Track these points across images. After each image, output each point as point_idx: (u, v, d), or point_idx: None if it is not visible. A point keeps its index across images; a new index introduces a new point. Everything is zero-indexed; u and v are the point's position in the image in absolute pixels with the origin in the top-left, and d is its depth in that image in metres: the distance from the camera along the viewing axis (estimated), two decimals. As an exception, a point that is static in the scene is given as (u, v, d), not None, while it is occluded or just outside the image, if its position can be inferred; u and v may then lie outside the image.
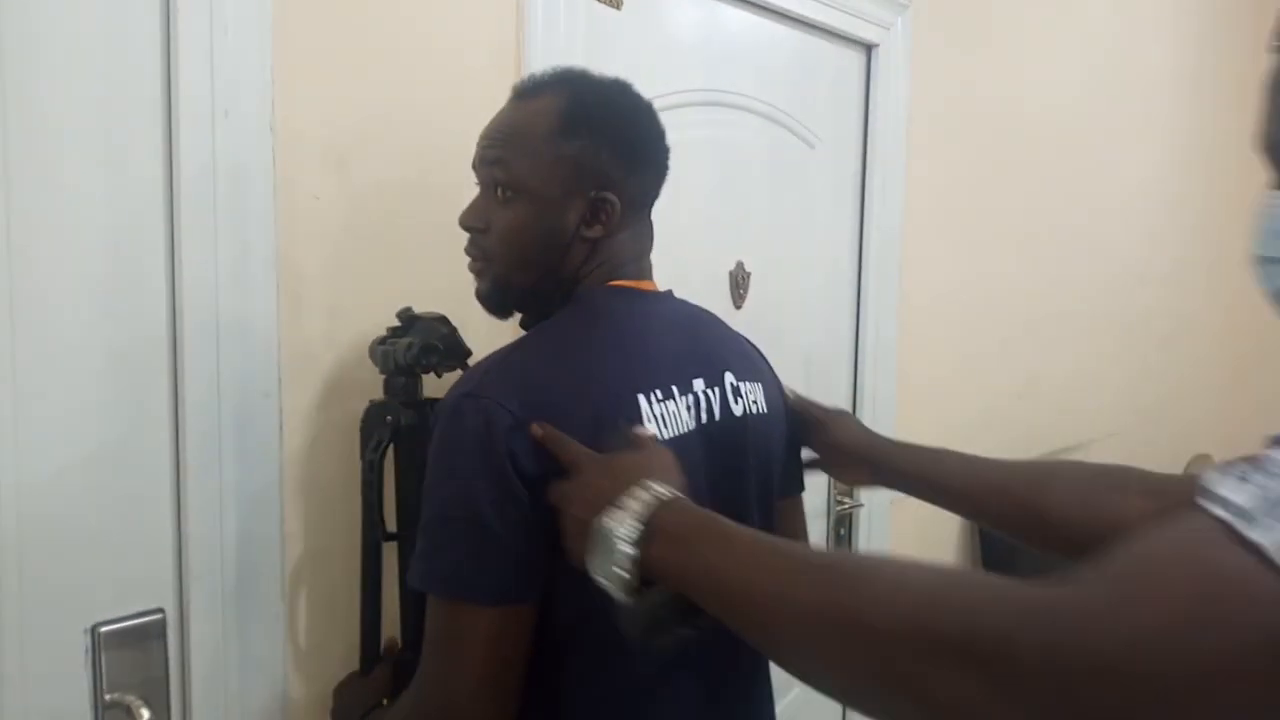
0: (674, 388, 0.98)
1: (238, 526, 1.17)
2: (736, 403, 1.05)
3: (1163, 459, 3.67)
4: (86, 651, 1.09)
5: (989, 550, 2.71)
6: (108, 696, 1.10)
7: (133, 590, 1.12)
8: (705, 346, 1.06)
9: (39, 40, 1.01)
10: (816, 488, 2.16)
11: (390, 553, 1.20)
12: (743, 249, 1.88)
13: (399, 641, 1.21)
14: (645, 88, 1.06)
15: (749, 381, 1.08)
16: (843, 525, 2.22)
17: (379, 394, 1.20)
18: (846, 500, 2.21)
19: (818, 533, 2.18)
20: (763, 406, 1.09)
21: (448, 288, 1.36)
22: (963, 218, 2.53)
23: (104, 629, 1.10)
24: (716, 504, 0.98)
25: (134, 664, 1.12)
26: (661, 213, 1.09)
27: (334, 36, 1.24)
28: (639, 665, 0.95)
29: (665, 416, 0.96)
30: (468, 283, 1.23)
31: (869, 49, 2.12)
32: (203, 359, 1.13)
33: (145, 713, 1.10)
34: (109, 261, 1.08)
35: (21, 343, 1.02)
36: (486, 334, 1.20)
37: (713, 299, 1.81)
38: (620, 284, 1.02)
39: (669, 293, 1.09)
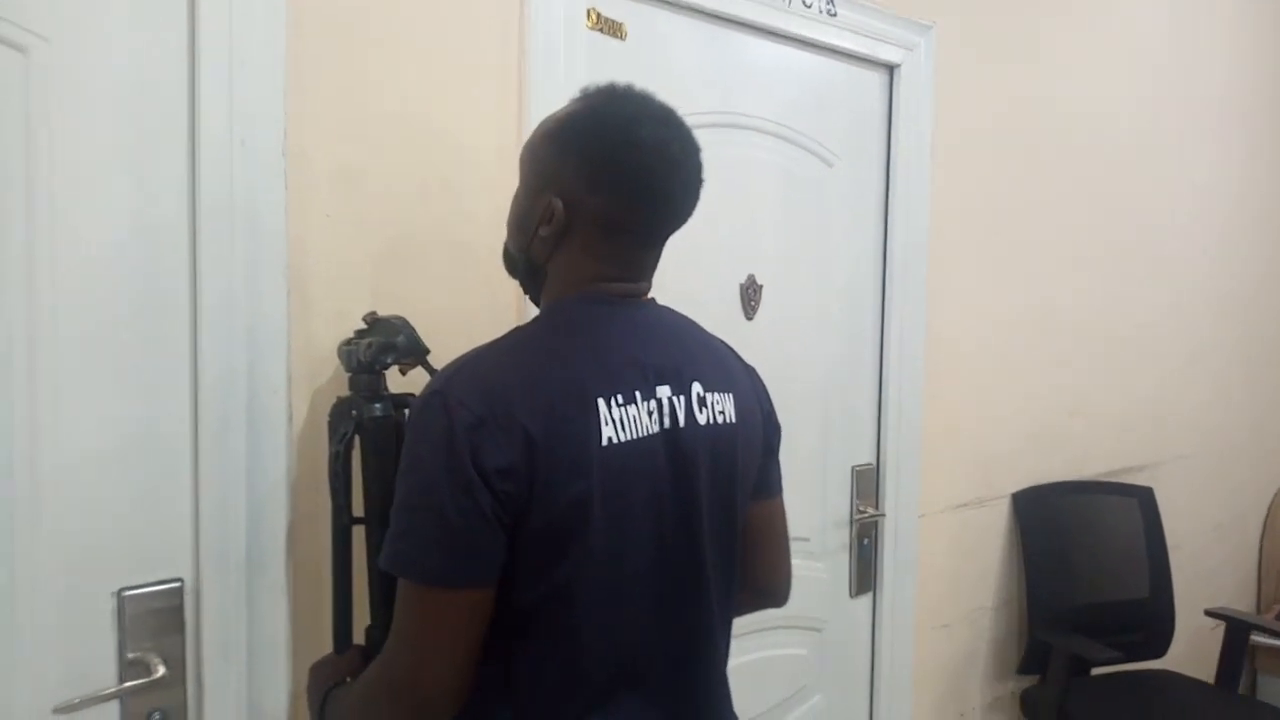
0: (636, 393, 1.06)
1: (248, 509, 1.32)
2: (701, 412, 1.12)
3: (1244, 484, 3.57)
4: (113, 613, 1.25)
5: (1031, 557, 2.69)
6: (130, 655, 1.25)
7: (154, 561, 1.27)
8: (677, 356, 1.13)
9: (82, 85, 1.18)
10: (838, 495, 2.22)
11: (359, 536, 1.32)
12: (754, 262, 1.96)
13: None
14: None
15: (718, 392, 1.15)
16: (865, 535, 2.26)
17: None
18: (869, 510, 2.25)
19: (840, 541, 2.23)
20: (730, 416, 1.15)
21: (448, 294, 1.50)
22: (999, 239, 2.54)
23: (128, 593, 1.25)
24: (676, 503, 1.08)
25: (154, 625, 1.27)
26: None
27: (342, 68, 1.38)
28: (590, 654, 1.04)
29: (624, 419, 1.04)
30: (466, 289, 1.36)
31: (891, 70, 2.18)
32: (219, 359, 1.28)
33: (161, 668, 1.25)
34: (139, 275, 1.24)
35: (64, 346, 1.18)
36: (482, 336, 1.30)
37: (723, 310, 1.89)
38: (596, 291, 1.10)
39: (650, 301, 1.16)
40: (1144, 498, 2.94)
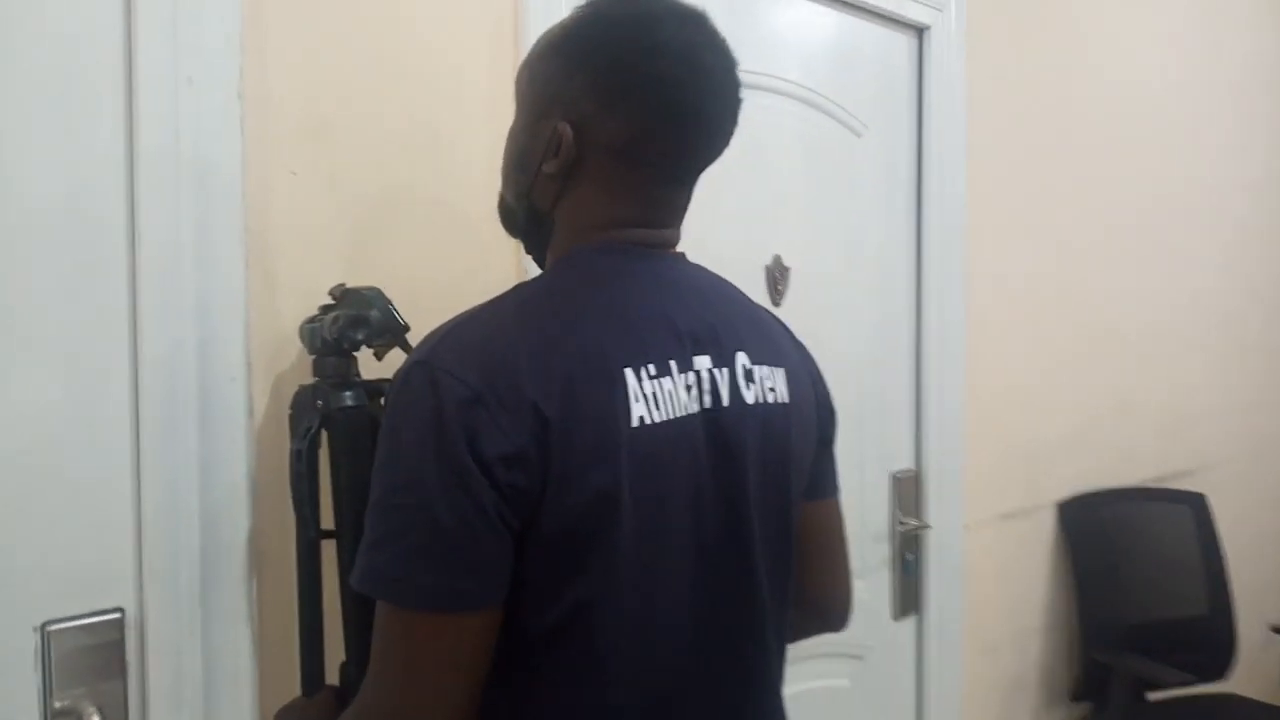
0: (671, 363, 0.84)
1: (201, 521, 1.09)
2: (749, 388, 0.90)
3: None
4: (35, 652, 1.01)
5: (1080, 573, 2.47)
6: (58, 703, 1.02)
7: (87, 587, 1.04)
8: (717, 321, 0.91)
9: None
10: (877, 505, 1.99)
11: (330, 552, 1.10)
12: (780, 242, 1.76)
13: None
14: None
15: (767, 365, 0.93)
16: (909, 549, 2.04)
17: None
18: (911, 521, 2.02)
19: (881, 556, 2.00)
20: (782, 395, 0.93)
21: (434, 265, 1.28)
22: (1035, 218, 2.35)
23: (54, 627, 1.02)
24: (721, 501, 0.86)
25: (87, 666, 1.04)
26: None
27: None
28: (617, 692, 0.82)
29: (658, 396, 0.82)
30: (457, 259, 1.14)
31: (920, 31, 1.99)
32: (162, 339, 1.07)
33: (96, 718, 1.02)
34: (65, 234, 1.02)
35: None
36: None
37: (748, 294, 1.68)
38: (616, 239, 0.89)
39: (681, 256, 0.95)
40: (1196, 505, 2.72)
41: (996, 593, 2.30)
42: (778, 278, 1.74)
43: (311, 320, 1.10)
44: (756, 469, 0.89)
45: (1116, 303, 2.63)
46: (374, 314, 1.06)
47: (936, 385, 2.05)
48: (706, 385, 0.87)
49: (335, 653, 1.09)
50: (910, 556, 2.04)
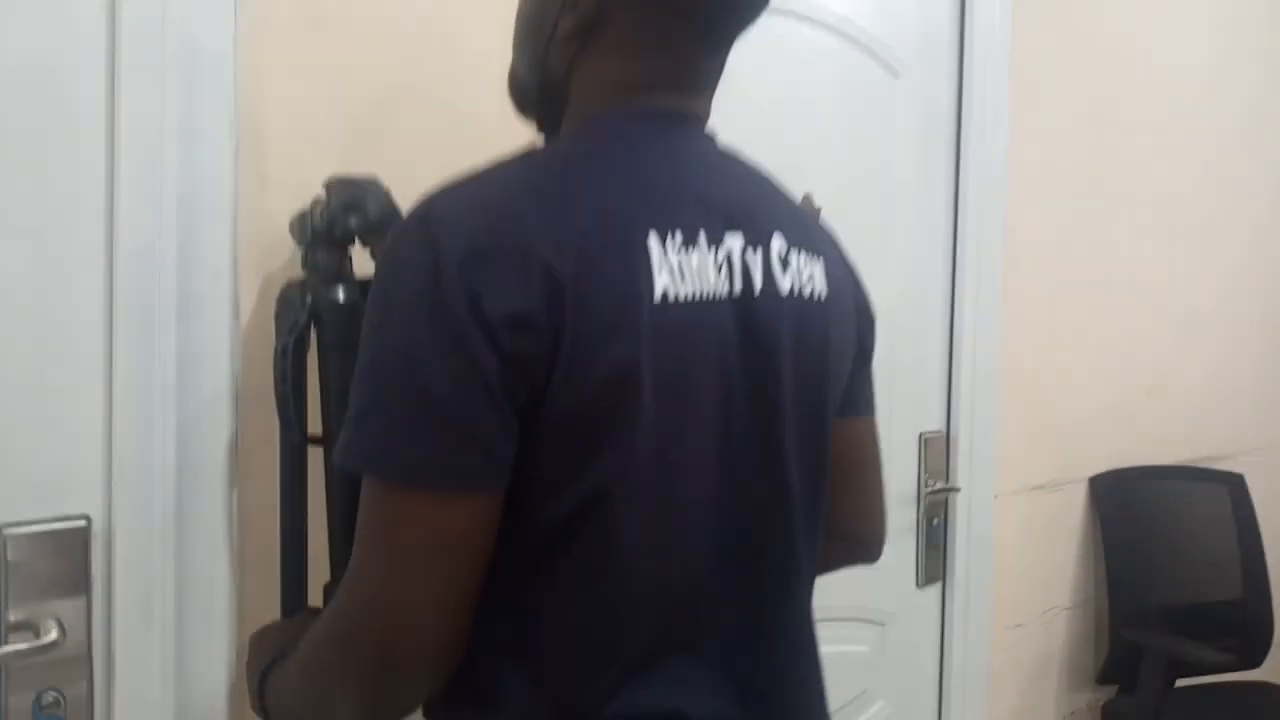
0: (701, 233, 0.74)
1: (179, 428, 1.01)
2: (784, 275, 0.80)
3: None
4: (-9, 558, 0.94)
5: (1112, 551, 2.36)
6: (13, 615, 0.94)
7: (49, 490, 0.96)
8: (750, 199, 0.81)
9: None
10: (904, 467, 1.90)
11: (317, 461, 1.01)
12: (809, 181, 1.65)
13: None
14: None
15: (805, 253, 0.83)
16: (935, 514, 1.94)
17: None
18: (938, 483, 1.92)
19: (906, 521, 1.90)
20: (820, 289, 0.83)
21: (439, 175, 1.18)
22: (1078, 180, 2.23)
23: (11, 531, 0.94)
24: (751, 399, 0.76)
25: (47, 576, 0.96)
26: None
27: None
28: (632, 600, 0.72)
29: (685, 269, 0.72)
30: (465, 163, 1.04)
31: (965, -30, 1.89)
32: (142, 228, 0.98)
33: (53, 633, 0.93)
34: (38, 102, 0.94)
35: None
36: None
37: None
38: (639, 104, 0.78)
39: (713, 133, 0.84)
40: (1234, 486, 2.60)
41: (1025, 569, 2.20)
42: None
43: (301, 213, 1.01)
44: (790, 369, 0.79)
45: (1153, 280, 2.52)
46: (370, 203, 0.97)
47: (970, 343, 1.95)
48: (738, 266, 0.76)
49: (320, 573, 1.01)
50: (935, 521, 1.94)
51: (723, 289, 0.75)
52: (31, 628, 0.94)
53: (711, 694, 0.77)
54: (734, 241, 0.77)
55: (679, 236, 0.72)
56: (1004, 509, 2.10)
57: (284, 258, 1.08)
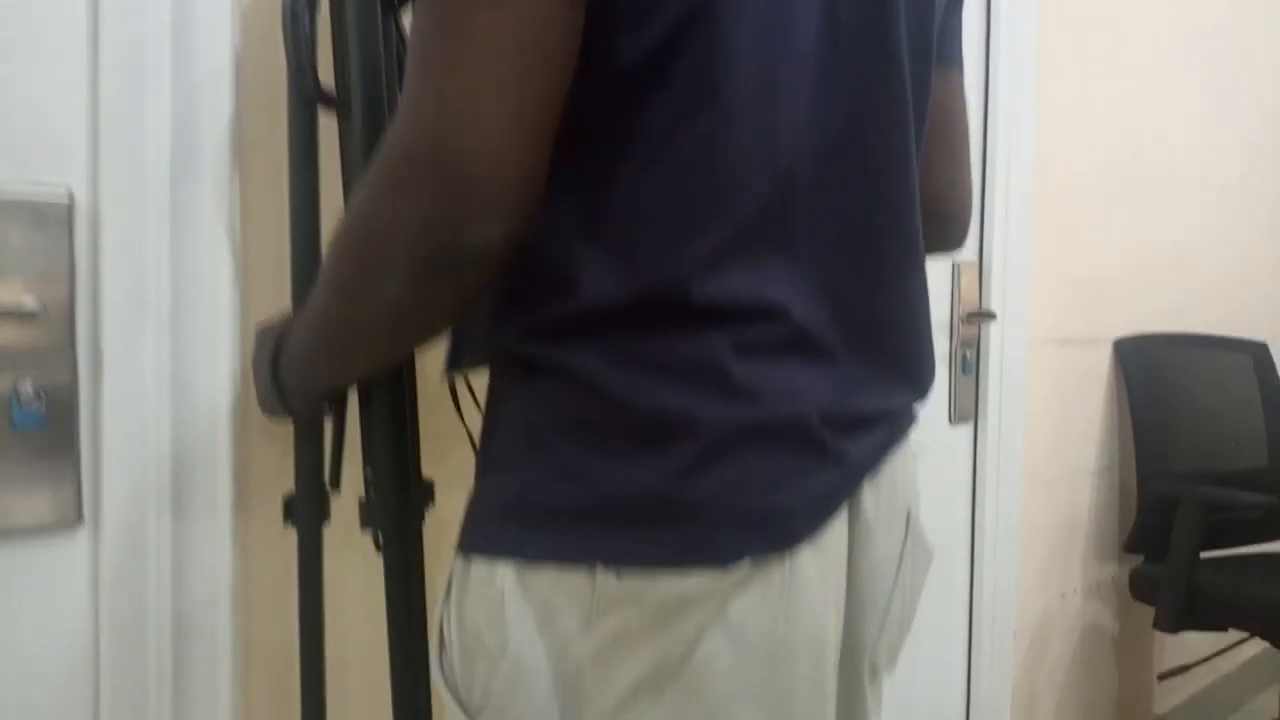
0: None
1: (174, 103, 0.88)
2: None
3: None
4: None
5: (1137, 413, 2.27)
6: (-18, 288, 0.81)
7: (24, 153, 0.83)
8: None
9: None
10: (936, 293, 1.79)
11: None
12: None
13: None
14: None
15: None
16: (968, 347, 1.83)
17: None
18: (974, 309, 1.82)
19: (939, 352, 1.80)
20: None
21: None
22: (1106, 54, 2.15)
23: (-21, 193, 0.81)
24: (861, 47, 0.66)
25: (26, 253, 0.83)
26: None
27: None
28: (731, 162, 0.61)
29: None
30: None
31: None
32: None
33: (31, 301, 0.81)
34: None
35: None
36: None
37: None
38: None
39: None
40: (1259, 354, 2.53)
41: (1053, 425, 2.11)
42: None
43: None
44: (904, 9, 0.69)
45: (1179, 149, 2.44)
46: None
47: (1004, 170, 1.84)
48: None
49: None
50: (968, 354, 1.84)
51: None
52: (7, 306, 0.81)
53: (814, 302, 0.66)
54: None
55: None
56: (1034, 358, 2.01)
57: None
